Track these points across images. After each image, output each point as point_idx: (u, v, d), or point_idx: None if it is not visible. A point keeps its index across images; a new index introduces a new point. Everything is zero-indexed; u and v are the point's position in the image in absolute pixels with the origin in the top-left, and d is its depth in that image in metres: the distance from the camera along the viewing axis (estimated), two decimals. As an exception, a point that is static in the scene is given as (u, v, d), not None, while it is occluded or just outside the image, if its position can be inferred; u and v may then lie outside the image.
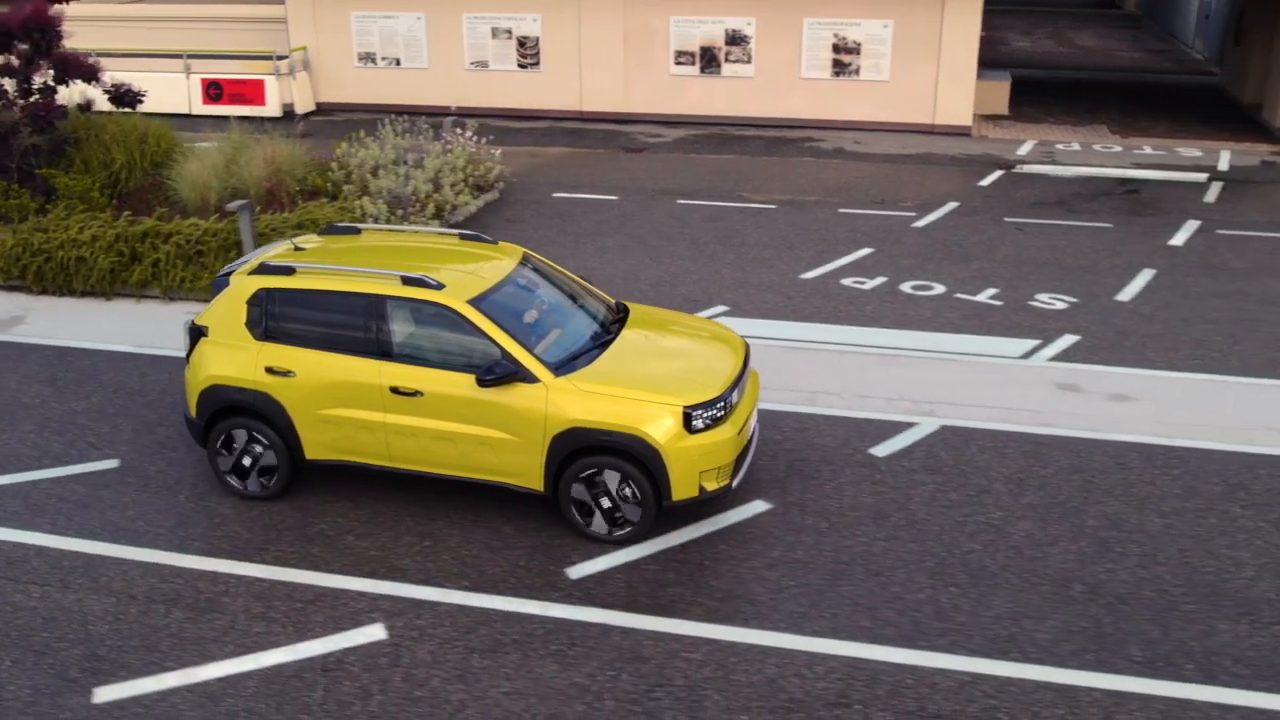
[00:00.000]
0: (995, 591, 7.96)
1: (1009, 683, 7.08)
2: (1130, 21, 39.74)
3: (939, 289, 13.82)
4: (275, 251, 9.56)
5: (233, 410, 8.89)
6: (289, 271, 8.84)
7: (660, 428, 8.02)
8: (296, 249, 9.48)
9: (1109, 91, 26.71)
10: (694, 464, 8.11)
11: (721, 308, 13.14)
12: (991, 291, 13.71)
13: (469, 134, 17.84)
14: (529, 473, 8.38)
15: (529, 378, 8.17)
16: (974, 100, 23.08)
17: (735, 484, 8.55)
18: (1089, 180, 19.09)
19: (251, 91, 23.73)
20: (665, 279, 14.17)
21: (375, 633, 7.61)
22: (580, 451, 8.21)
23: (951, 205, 17.52)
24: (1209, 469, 9.61)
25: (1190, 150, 21.03)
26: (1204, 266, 14.70)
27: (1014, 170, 19.70)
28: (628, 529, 8.39)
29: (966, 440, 10.05)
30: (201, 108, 23.84)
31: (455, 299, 8.40)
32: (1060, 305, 13.27)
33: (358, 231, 9.86)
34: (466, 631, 7.61)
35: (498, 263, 9.18)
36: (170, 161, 16.42)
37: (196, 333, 9.07)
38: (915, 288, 13.86)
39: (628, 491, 8.23)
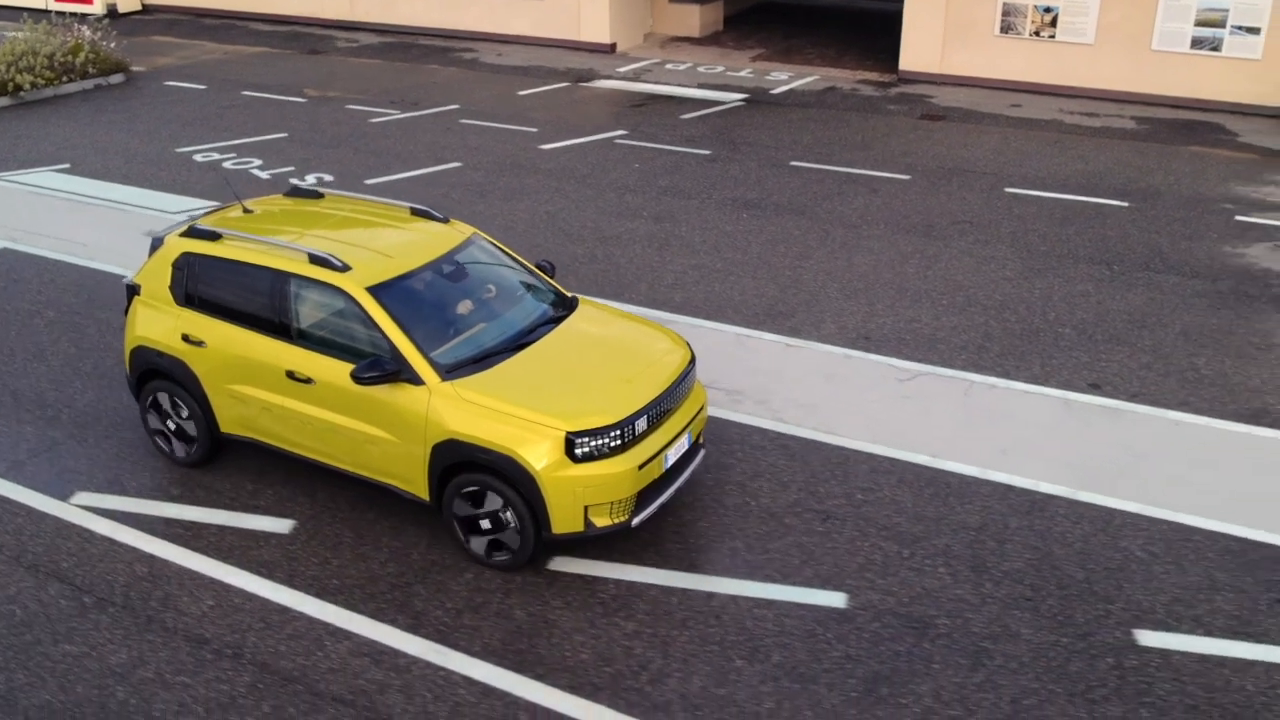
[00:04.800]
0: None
1: None
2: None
3: (256, 163, 16.41)
4: (219, 213, 9.13)
5: (158, 373, 8.74)
6: (214, 237, 8.37)
7: (537, 452, 7.13)
8: (245, 210, 9.01)
9: (868, 23, 26.97)
10: (578, 496, 7.22)
11: (65, 164, 16.48)
12: (288, 169, 16.16)
13: (85, 29, 21.75)
14: (414, 480, 7.70)
15: (413, 378, 7.43)
16: (656, 20, 24.56)
17: (637, 521, 7.50)
18: (630, 95, 20.51)
19: (85, -8, 28.60)
20: (104, 145, 17.39)
21: None
22: (461, 466, 7.46)
23: (450, 107, 19.61)
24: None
25: (782, 74, 21.81)
26: (514, 167, 16.35)
27: (582, 84, 21.37)
28: (507, 555, 7.62)
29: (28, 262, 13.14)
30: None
31: (354, 283, 7.67)
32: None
33: (320, 195, 9.30)
34: None
35: (433, 243, 8.34)
36: None
37: (131, 291, 8.86)
38: (235, 163, 16.46)
39: (509, 515, 7.45)
